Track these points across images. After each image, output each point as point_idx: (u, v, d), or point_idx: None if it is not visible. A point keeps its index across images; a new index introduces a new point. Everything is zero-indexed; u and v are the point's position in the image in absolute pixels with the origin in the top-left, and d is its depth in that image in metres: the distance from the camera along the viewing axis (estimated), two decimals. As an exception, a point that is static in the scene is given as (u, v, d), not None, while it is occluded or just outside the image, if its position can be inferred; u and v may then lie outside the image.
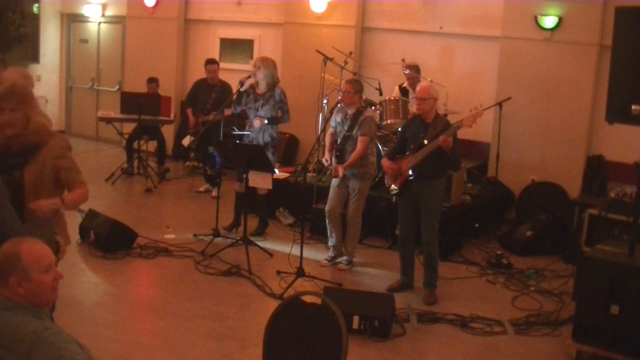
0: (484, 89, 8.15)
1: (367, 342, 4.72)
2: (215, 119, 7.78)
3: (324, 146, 8.01)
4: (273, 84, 6.82)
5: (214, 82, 8.58)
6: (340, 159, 6.14)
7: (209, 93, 8.57)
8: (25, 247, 2.42)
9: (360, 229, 6.28)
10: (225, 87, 8.53)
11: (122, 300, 5.37)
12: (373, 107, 7.24)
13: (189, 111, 8.69)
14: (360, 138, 6.01)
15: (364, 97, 6.76)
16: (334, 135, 6.26)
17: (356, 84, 6.16)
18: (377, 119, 6.99)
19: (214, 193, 8.23)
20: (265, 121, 6.75)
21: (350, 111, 6.11)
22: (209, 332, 4.77)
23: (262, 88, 6.82)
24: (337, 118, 6.23)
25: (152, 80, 9.44)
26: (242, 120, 7.63)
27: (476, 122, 5.26)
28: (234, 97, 6.97)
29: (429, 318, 5.18)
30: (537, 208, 7.33)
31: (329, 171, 7.56)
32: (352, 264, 6.28)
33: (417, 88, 5.61)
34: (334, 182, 6.26)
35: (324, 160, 6.46)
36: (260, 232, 7.04)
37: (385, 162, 5.62)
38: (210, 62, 8.63)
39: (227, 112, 7.40)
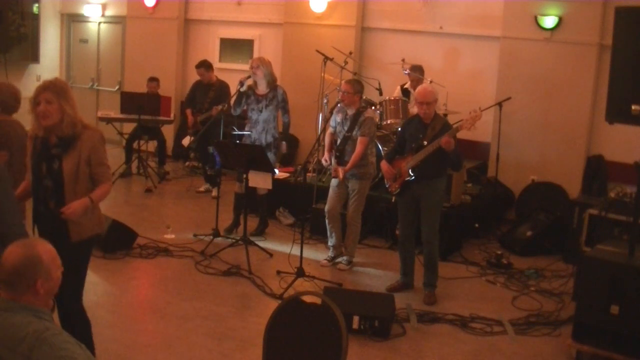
0: (484, 89, 8.15)
1: (367, 342, 4.72)
2: (216, 113, 7.81)
3: (324, 146, 8.01)
4: (272, 82, 6.84)
5: (212, 82, 8.59)
6: (340, 160, 6.14)
7: (206, 93, 8.59)
8: (42, 247, 2.45)
9: (360, 229, 6.28)
10: (223, 86, 8.54)
11: (122, 300, 5.36)
12: (373, 107, 7.23)
13: (188, 111, 8.71)
14: (359, 139, 6.01)
15: (364, 97, 6.76)
16: (334, 135, 6.26)
17: (356, 85, 6.16)
18: (377, 119, 6.99)
19: (214, 193, 8.23)
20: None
21: (350, 111, 6.11)
22: (209, 332, 4.77)
23: (262, 88, 6.82)
24: (337, 118, 6.23)
25: (153, 80, 9.46)
26: (242, 120, 7.62)
27: (475, 125, 5.27)
28: (234, 97, 6.98)
29: (429, 318, 5.18)
30: (537, 208, 7.33)
31: (329, 171, 7.58)
32: (352, 264, 6.28)
33: (417, 91, 5.58)
34: (334, 182, 6.26)
35: (323, 160, 6.47)
36: (260, 232, 7.04)
37: (384, 165, 5.62)
38: (198, 66, 8.62)
39: (225, 109, 7.41)
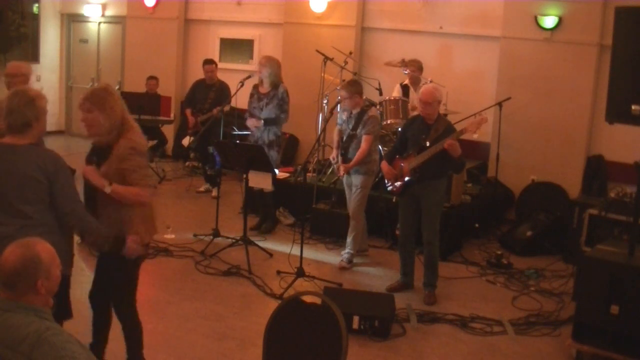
0: (484, 89, 8.15)
1: (367, 342, 4.72)
2: (217, 114, 7.84)
3: (324, 146, 8.03)
4: (276, 83, 6.87)
5: (212, 82, 8.59)
6: (344, 158, 6.20)
7: (207, 93, 8.58)
8: (41, 247, 2.45)
9: (362, 224, 6.29)
10: (223, 86, 8.54)
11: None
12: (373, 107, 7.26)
13: (188, 112, 8.70)
14: (364, 137, 6.05)
15: (364, 97, 6.78)
16: (341, 132, 6.31)
17: (351, 87, 6.18)
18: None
19: (214, 193, 8.23)
20: (261, 122, 6.80)
21: (355, 110, 6.16)
22: (209, 332, 4.77)
23: (265, 87, 6.87)
24: (342, 116, 6.29)
25: (152, 78, 9.49)
26: (242, 120, 7.63)
27: (480, 128, 5.27)
28: (233, 96, 7.02)
29: (429, 318, 5.18)
30: (537, 208, 7.32)
31: (329, 171, 7.61)
32: (353, 263, 6.28)
33: (421, 90, 5.57)
34: (345, 181, 6.33)
35: (331, 158, 6.56)
36: (269, 229, 7.06)
37: (384, 165, 5.62)
38: (207, 62, 8.65)
39: (226, 107, 7.44)
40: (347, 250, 6.29)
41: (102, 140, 3.58)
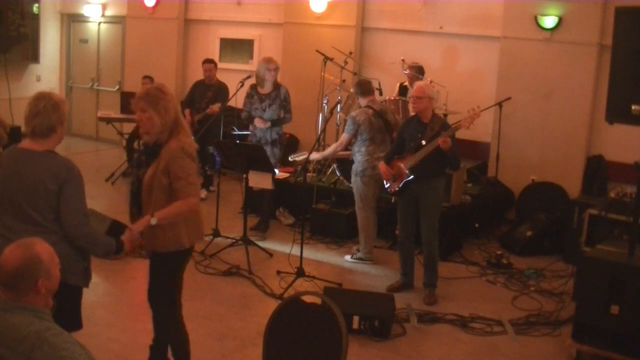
0: (484, 89, 8.15)
1: (367, 342, 4.72)
2: (211, 112, 7.87)
3: (324, 146, 8.03)
4: (276, 83, 6.96)
5: (211, 82, 8.59)
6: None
7: (205, 92, 8.58)
8: (41, 247, 2.45)
9: (365, 223, 6.30)
10: (221, 86, 8.54)
11: (122, 300, 5.36)
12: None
13: (187, 112, 8.70)
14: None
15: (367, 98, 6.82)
16: None
17: (352, 87, 6.47)
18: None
19: (203, 194, 8.31)
20: (269, 124, 6.83)
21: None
22: (209, 332, 4.77)
23: (268, 88, 6.90)
24: None
25: (147, 78, 9.48)
26: (242, 120, 7.63)
27: (473, 123, 5.27)
28: (232, 97, 7.03)
29: (429, 318, 5.19)
30: (537, 208, 7.32)
31: (330, 171, 7.61)
32: (358, 260, 6.35)
33: (414, 87, 5.61)
34: None
35: None
36: (264, 228, 7.06)
37: (381, 166, 5.63)
38: (207, 61, 8.66)
39: (217, 106, 7.53)
40: (358, 254, 6.43)
41: (152, 140, 3.59)
